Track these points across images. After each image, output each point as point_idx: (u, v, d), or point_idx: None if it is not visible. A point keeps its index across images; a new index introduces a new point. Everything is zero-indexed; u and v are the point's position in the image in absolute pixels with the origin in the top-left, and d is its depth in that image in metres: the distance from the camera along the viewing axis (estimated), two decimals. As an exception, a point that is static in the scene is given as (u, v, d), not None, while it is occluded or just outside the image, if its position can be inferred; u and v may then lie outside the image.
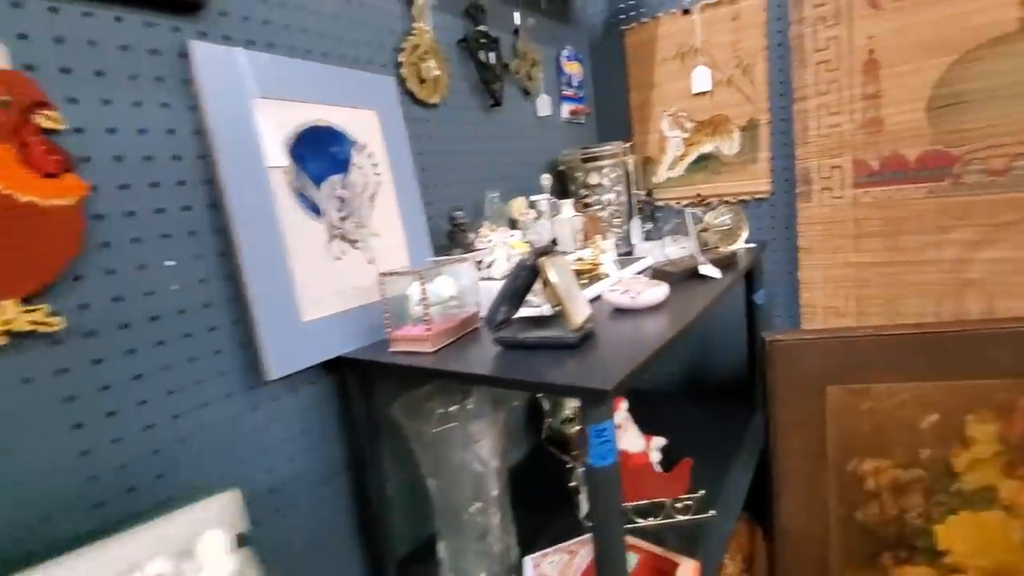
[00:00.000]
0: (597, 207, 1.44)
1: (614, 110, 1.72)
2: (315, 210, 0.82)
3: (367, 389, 0.86)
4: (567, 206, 1.21)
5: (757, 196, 1.52)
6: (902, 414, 1.04)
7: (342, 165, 0.88)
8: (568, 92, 1.59)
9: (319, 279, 0.81)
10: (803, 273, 1.44)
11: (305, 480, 0.84)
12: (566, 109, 1.58)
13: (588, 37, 1.72)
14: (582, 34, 1.70)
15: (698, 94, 1.55)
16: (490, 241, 0.99)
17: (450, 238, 1.02)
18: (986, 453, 1.00)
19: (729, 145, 1.54)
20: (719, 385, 1.65)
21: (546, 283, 0.71)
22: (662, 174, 1.66)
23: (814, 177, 1.39)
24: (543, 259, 0.70)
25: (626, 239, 1.46)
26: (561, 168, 1.48)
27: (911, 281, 1.32)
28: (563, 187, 1.53)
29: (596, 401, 0.54)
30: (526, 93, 1.40)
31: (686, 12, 1.54)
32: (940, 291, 1.29)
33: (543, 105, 1.43)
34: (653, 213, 1.48)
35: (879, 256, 1.35)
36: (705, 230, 1.17)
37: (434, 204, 1.10)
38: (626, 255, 1.41)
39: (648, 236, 1.43)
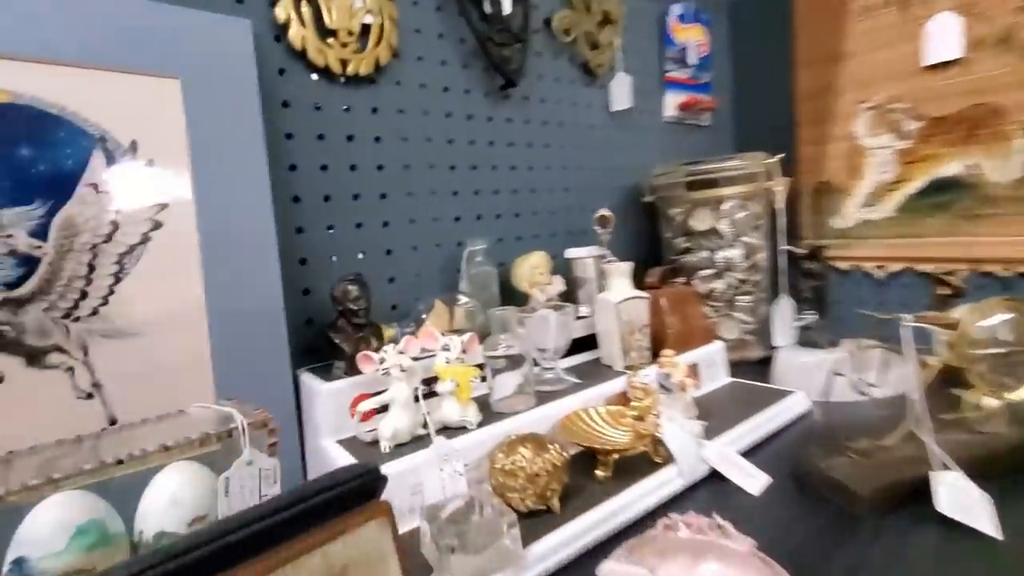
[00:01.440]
0: (708, 273, 0.78)
1: (765, 104, 1.03)
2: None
3: None
4: (619, 275, 0.60)
5: (1075, 269, 0.72)
6: None
7: (47, 188, 0.41)
8: (677, 75, 0.96)
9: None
10: None
11: None
12: (672, 101, 0.95)
13: (727, -12, 1.07)
14: (716, -16, 1.05)
15: (936, 66, 0.81)
16: (382, 362, 0.43)
17: (328, 343, 0.49)
18: None
19: (1002, 165, 0.77)
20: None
21: None
22: (851, 215, 0.93)
23: None
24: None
25: (761, 334, 0.78)
26: (649, 199, 0.86)
27: None
28: (653, 232, 0.90)
29: None
30: (588, 72, 0.81)
31: (921, -85, 0.81)
32: None
33: (620, 91, 0.83)
34: (822, 291, 0.76)
35: None
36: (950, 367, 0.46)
37: (326, 265, 0.58)
38: (761, 363, 0.74)
39: (807, 337, 0.72)
